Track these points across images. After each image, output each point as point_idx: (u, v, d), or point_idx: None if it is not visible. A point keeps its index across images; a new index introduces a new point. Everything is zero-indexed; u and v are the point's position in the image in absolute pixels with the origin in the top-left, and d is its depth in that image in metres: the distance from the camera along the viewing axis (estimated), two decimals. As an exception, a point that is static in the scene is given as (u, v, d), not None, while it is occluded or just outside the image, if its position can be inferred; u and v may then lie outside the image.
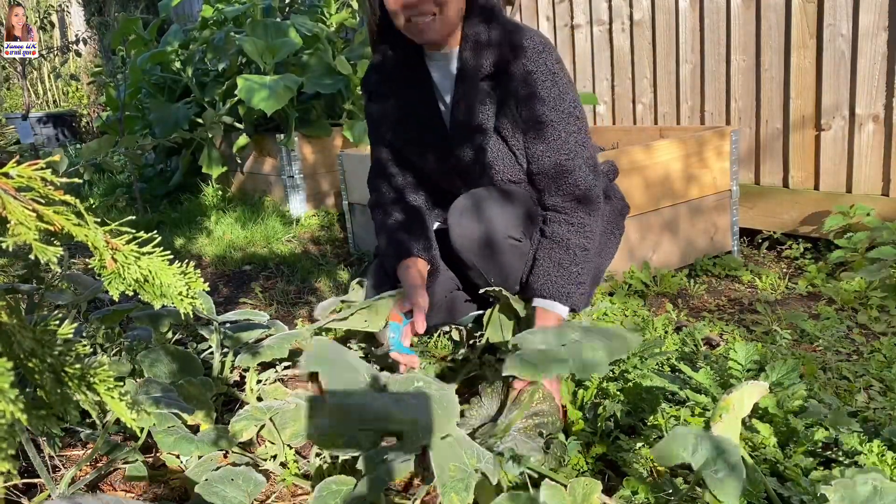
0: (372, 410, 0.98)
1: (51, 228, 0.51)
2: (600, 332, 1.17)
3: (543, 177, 1.53)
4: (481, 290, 1.52)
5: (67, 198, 0.51)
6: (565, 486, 1.07)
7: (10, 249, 0.47)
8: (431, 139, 1.63)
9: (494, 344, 1.60)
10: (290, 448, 1.33)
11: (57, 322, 0.58)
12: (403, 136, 1.68)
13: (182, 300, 0.61)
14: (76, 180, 0.59)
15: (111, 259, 0.55)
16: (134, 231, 0.60)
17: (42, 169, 0.49)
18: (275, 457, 1.33)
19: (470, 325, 1.79)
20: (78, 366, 0.55)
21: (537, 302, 1.50)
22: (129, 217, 0.64)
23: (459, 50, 1.55)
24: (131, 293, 0.60)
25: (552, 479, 1.11)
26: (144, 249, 0.58)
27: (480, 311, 1.70)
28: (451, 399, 1.07)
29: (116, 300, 0.65)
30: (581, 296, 1.51)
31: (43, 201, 0.50)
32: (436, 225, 1.76)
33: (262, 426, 1.32)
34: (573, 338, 1.13)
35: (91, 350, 1.66)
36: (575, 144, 1.51)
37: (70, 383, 0.55)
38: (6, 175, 0.49)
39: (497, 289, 1.48)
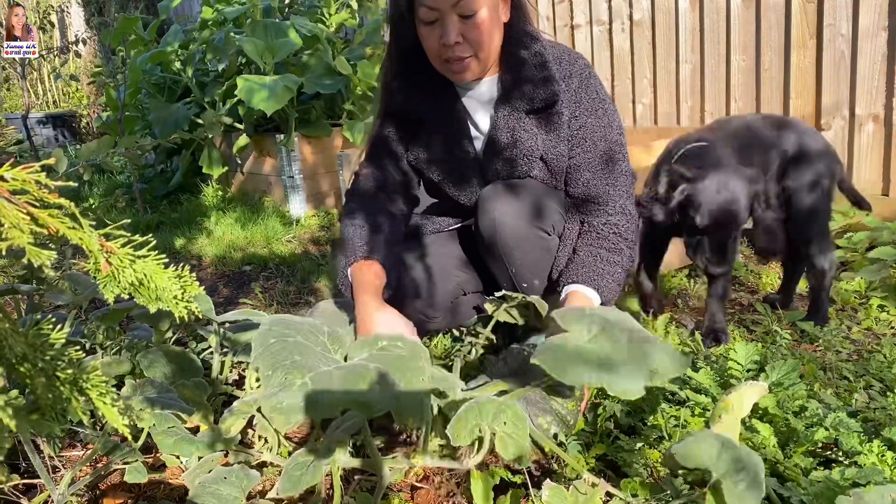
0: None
1: (46, 232, 0.50)
2: (649, 343, 1.05)
3: (585, 201, 1.53)
4: (497, 294, 1.40)
5: (62, 201, 0.51)
6: (567, 486, 1.07)
7: (4, 252, 0.47)
8: (460, 163, 1.59)
9: (496, 345, 1.59)
10: (287, 441, 1.34)
11: (50, 326, 0.57)
12: (426, 158, 1.61)
13: (177, 304, 0.60)
14: (71, 184, 0.59)
15: (106, 262, 0.54)
16: (130, 234, 0.60)
17: (37, 172, 0.49)
18: (271, 449, 1.34)
19: (473, 326, 1.78)
20: (70, 371, 0.55)
21: (572, 287, 1.45)
22: (126, 220, 0.63)
23: (499, 77, 1.51)
24: (127, 296, 0.59)
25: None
26: (139, 253, 0.58)
27: (485, 315, 1.69)
28: (418, 350, 1.09)
29: (112, 303, 0.65)
30: (614, 293, 1.49)
31: (38, 204, 0.50)
32: (453, 226, 1.74)
33: (258, 422, 1.32)
34: (614, 347, 1.04)
35: (90, 349, 1.67)
36: (619, 173, 1.52)
37: (62, 388, 0.54)
38: (1, 178, 0.49)
39: (518, 296, 1.37)
